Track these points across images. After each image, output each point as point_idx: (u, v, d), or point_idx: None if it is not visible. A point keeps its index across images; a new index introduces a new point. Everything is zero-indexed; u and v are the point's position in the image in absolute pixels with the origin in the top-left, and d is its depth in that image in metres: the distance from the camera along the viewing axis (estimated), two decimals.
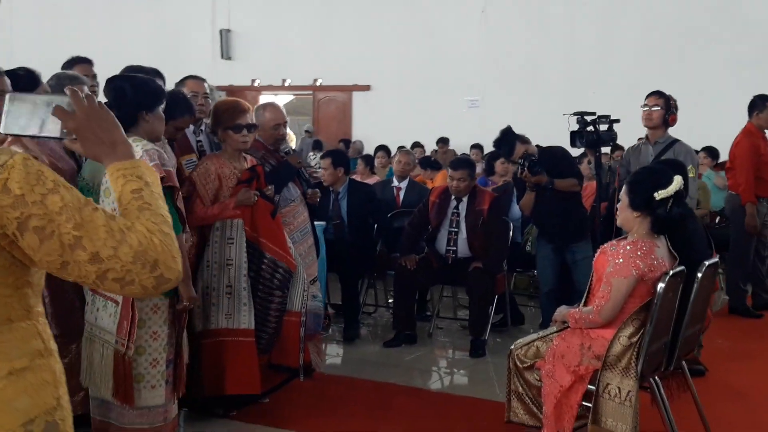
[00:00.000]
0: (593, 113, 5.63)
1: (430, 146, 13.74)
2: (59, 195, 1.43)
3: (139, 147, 3.34)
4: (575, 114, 5.64)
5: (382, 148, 10.46)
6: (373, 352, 5.96)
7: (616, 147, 9.81)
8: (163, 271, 1.47)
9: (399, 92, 15.46)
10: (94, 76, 4.87)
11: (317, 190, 5.31)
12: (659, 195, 3.64)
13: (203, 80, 5.13)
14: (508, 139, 5.88)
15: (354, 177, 8.97)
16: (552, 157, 5.78)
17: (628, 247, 3.67)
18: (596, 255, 3.82)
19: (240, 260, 4.31)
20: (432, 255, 6.16)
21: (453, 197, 6.10)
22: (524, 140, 5.96)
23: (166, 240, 1.50)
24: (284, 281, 4.41)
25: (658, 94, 5.49)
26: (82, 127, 1.57)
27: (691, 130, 11.86)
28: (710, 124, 12.61)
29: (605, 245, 3.81)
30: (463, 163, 6.16)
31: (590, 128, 5.57)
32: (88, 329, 3.53)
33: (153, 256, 1.46)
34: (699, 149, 9.87)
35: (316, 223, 6.04)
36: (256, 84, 16.97)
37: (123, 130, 1.63)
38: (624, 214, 3.75)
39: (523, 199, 5.90)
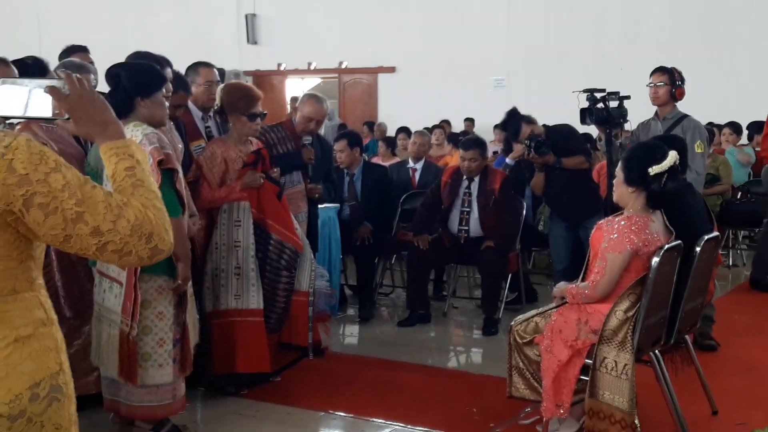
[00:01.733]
0: (603, 90, 5.63)
1: (458, 127, 13.77)
2: (61, 173, 1.53)
3: (139, 132, 3.45)
4: (585, 91, 5.65)
5: (404, 130, 10.52)
6: (387, 331, 6.07)
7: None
8: (158, 243, 1.59)
9: (424, 73, 15.46)
10: (92, 64, 5.01)
11: (319, 186, 5.42)
12: (653, 170, 3.67)
13: (214, 68, 5.25)
14: (514, 120, 5.92)
15: (375, 160, 9.08)
16: (559, 135, 5.81)
17: (623, 223, 3.71)
18: (593, 231, 3.88)
19: (247, 242, 4.42)
20: (445, 234, 6.24)
21: (465, 177, 6.17)
22: (530, 121, 5.98)
23: (159, 214, 1.61)
24: (291, 261, 4.52)
25: (661, 70, 5.48)
26: (74, 107, 1.66)
27: (719, 107, 11.80)
28: (736, 100, 12.46)
29: (601, 221, 3.86)
30: (473, 143, 6.21)
31: (600, 105, 5.59)
32: (97, 310, 3.67)
33: (148, 229, 1.58)
34: (724, 125, 9.81)
35: (328, 205, 6.19)
36: (282, 68, 17.07)
37: (113, 112, 1.72)
38: (619, 190, 3.80)
39: (533, 179, 5.92)
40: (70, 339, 3.85)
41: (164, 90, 3.67)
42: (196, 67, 5.15)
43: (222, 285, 4.44)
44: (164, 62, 4.37)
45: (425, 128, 10.45)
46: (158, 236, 1.60)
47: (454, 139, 9.64)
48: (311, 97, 5.24)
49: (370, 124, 14.35)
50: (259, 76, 17.04)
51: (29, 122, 3.57)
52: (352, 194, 6.61)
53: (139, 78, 3.59)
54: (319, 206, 5.63)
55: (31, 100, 1.66)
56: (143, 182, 1.65)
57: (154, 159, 3.35)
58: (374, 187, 6.59)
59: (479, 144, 6.24)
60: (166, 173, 3.45)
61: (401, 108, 15.42)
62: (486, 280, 6.08)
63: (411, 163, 7.59)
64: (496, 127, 12.73)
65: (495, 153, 10.64)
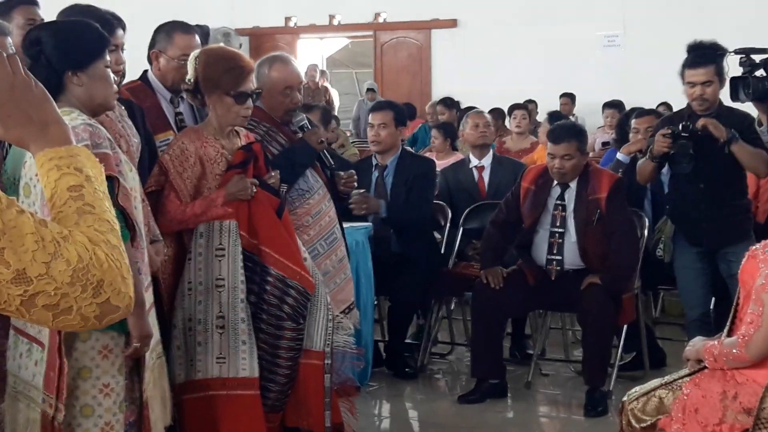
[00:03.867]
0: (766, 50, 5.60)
1: (549, 105, 13.75)
2: None
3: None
4: (738, 52, 5.61)
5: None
6: (443, 410, 6.06)
7: None
8: (110, 296, 1.59)
9: (500, 30, 15.44)
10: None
11: (352, 172, 5.48)
12: None
13: (195, 31, 5.32)
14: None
15: (428, 154, 9.08)
16: (737, 120, 5.75)
17: None
18: (743, 262, 3.85)
19: (235, 279, 4.44)
20: (527, 268, 6.20)
21: (555, 182, 6.14)
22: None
23: (114, 254, 1.62)
24: (298, 308, 4.53)
25: None
26: (1, 100, 1.70)
27: None
28: None
29: (756, 247, 3.83)
30: (566, 132, 6.15)
31: (762, 72, 5.54)
32: (11, 383, 3.68)
33: (97, 275, 1.58)
34: None
35: (359, 224, 6.22)
36: (292, 24, 17.24)
37: (56, 106, 1.77)
38: None
39: (640, 163, 5.94)
40: None
41: (108, 58, 3.71)
42: (170, 31, 5.20)
43: (199, 343, 4.45)
44: (113, 21, 4.42)
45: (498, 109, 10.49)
46: (111, 286, 1.60)
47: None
48: (271, 60, 5.31)
49: (410, 108, 14.20)
50: (259, 37, 17.20)
51: None
52: (379, 194, 6.68)
53: (69, 43, 3.63)
54: (344, 225, 5.66)
55: None
56: (93, 208, 1.66)
57: None
58: (415, 188, 6.64)
59: (576, 133, 6.20)
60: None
61: (465, 80, 15.41)
62: (589, 335, 6.02)
63: (474, 160, 7.57)
64: (606, 106, 12.70)
65: (605, 145, 10.57)
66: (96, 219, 1.65)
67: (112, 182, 3.48)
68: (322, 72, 18.63)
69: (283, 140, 5.19)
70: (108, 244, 1.62)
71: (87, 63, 3.64)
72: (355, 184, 5.56)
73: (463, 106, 11.61)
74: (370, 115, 6.90)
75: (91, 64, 3.64)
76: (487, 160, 7.51)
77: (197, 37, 5.24)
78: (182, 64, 5.04)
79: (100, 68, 3.67)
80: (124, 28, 4.59)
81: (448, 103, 12.10)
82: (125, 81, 4.88)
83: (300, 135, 5.21)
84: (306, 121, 5.28)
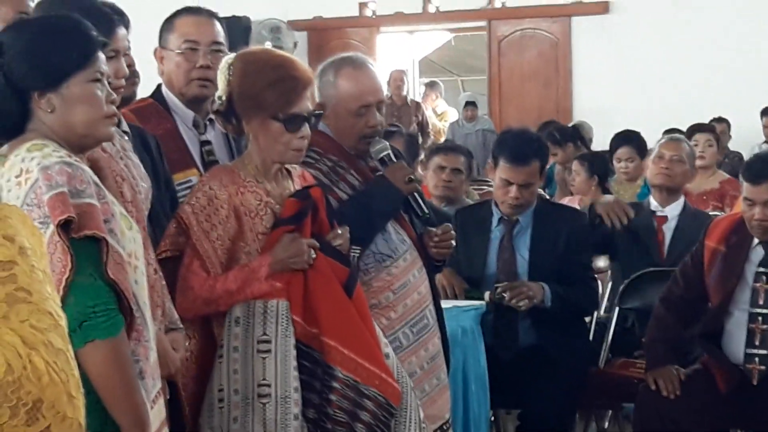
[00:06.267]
0: None
1: (745, 126, 13.66)
2: None
3: (34, 163, 3.46)
4: None
5: (628, 138, 10.45)
6: None
7: None
8: (52, 424, 1.61)
9: (671, 17, 15.42)
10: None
11: (449, 226, 5.45)
12: None
13: (216, 17, 5.37)
14: None
15: (567, 199, 9.06)
16: None
17: None
18: None
19: (285, 386, 4.43)
20: (716, 367, 6.15)
21: (756, 241, 6.10)
22: None
23: (58, 362, 1.66)
24: (378, 426, 4.53)
25: None
26: None
27: None
28: None
29: None
30: None
31: None
32: None
33: (33, 392, 1.61)
34: None
35: (465, 303, 6.20)
36: (369, 13, 17.35)
37: None
38: None
39: None
40: None
41: (100, 68, 3.62)
42: (172, 17, 5.32)
43: None
44: (111, 17, 4.37)
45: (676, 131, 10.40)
46: (54, 410, 1.62)
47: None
48: (341, 65, 5.31)
49: (548, 125, 14.18)
50: (321, 32, 17.33)
51: None
52: (506, 266, 6.67)
53: (36, 52, 3.59)
54: (443, 304, 5.68)
55: None
56: (31, 294, 1.71)
57: (54, 219, 3.37)
58: (570, 256, 6.66)
59: None
60: (84, 248, 3.44)
61: (620, 89, 15.35)
62: None
63: (655, 205, 7.52)
64: None
65: None
66: (33, 311, 1.69)
67: (99, 245, 3.47)
68: (432, 84, 18.63)
69: (357, 180, 5.22)
70: (50, 348, 1.66)
71: (58, 78, 3.58)
72: (453, 243, 5.49)
73: (616, 127, 11.56)
74: (503, 165, 6.60)
75: (64, 80, 3.57)
76: (674, 209, 7.51)
77: (217, 24, 5.32)
78: (186, 58, 5.08)
79: (81, 85, 3.60)
80: (127, 26, 4.50)
81: (557, 137, 12.06)
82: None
83: (380, 171, 5.21)
84: (389, 151, 5.29)
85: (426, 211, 5.32)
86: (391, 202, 5.17)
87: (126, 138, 4.30)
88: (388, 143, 5.33)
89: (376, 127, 5.26)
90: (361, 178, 5.19)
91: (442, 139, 16.22)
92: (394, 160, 5.25)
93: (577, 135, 11.96)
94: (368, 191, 5.15)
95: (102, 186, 3.58)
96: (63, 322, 1.67)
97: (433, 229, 5.34)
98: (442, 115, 18.38)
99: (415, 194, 5.26)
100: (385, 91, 5.58)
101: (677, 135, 8.38)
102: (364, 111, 5.18)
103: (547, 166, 9.47)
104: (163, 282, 4.15)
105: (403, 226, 5.22)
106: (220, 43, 5.25)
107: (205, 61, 5.12)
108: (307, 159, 4.81)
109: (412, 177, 5.27)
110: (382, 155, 5.24)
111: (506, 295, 6.19)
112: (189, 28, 5.21)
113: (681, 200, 7.52)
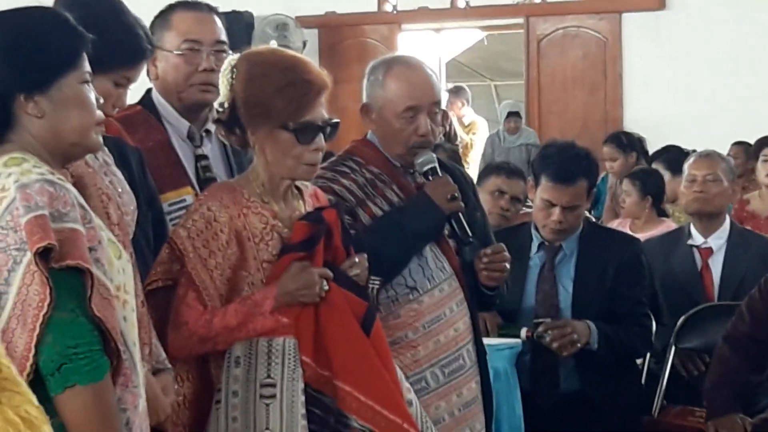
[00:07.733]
0: None
1: None
2: None
3: (11, 180, 3.42)
4: None
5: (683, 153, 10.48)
6: None
7: None
8: None
9: (738, 13, 15.42)
10: None
11: (501, 246, 5.45)
12: None
13: (215, 11, 5.38)
14: None
15: (616, 223, 9.09)
16: None
17: None
18: None
19: None
20: None
21: None
22: None
23: None
24: None
25: None
26: None
27: None
28: None
29: None
30: None
31: None
32: None
33: None
34: None
35: (498, 341, 6.21)
36: (389, 9, 17.42)
37: None
38: None
39: None
40: None
41: (87, 67, 3.65)
42: (167, 13, 5.34)
43: None
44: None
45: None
46: None
47: None
48: (392, 63, 5.41)
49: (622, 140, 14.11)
50: (334, 30, 17.43)
51: None
52: (547, 299, 6.70)
53: (21, 50, 3.63)
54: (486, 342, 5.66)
55: None
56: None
57: (32, 246, 3.37)
58: (622, 290, 6.69)
59: None
60: (66, 279, 3.45)
61: (679, 95, 15.36)
62: None
63: (695, 235, 7.51)
64: None
65: None
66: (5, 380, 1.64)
67: (83, 277, 3.46)
68: (457, 89, 18.52)
69: (397, 196, 5.29)
70: (26, 425, 1.65)
71: (50, 79, 3.60)
72: (507, 266, 5.43)
73: (671, 139, 11.57)
74: (545, 183, 6.73)
75: (55, 81, 3.61)
76: (718, 239, 7.46)
77: (218, 20, 5.29)
78: (187, 60, 5.09)
79: (72, 86, 3.63)
80: (135, 27, 4.52)
81: (624, 142, 12.03)
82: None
83: (424, 185, 5.24)
84: (435, 164, 5.31)
85: (470, 235, 5.30)
86: (428, 221, 5.19)
87: (106, 150, 4.27)
88: (435, 156, 5.32)
89: (428, 136, 5.27)
90: (403, 195, 5.23)
91: (471, 155, 16.16)
92: (439, 174, 5.26)
93: (643, 149, 11.95)
94: (404, 207, 5.21)
95: (88, 208, 3.56)
96: (33, 398, 1.68)
97: (486, 251, 5.33)
98: (470, 126, 18.30)
99: (459, 214, 5.27)
100: (440, 97, 5.50)
101: (708, 150, 8.29)
102: (413, 115, 5.22)
103: (601, 176, 9.53)
104: (148, 317, 4.13)
105: (444, 251, 5.23)
106: (223, 42, 5.26)
107: (209, 63, 5.14)
108: (341, 168, 4.82)
109: (456, 195, 5.25)
110: (426, 168, 5.25)
111: (548, 336, 6.18)
112: (189, 25, 5.22)
113: (726, 225, 7.52)
